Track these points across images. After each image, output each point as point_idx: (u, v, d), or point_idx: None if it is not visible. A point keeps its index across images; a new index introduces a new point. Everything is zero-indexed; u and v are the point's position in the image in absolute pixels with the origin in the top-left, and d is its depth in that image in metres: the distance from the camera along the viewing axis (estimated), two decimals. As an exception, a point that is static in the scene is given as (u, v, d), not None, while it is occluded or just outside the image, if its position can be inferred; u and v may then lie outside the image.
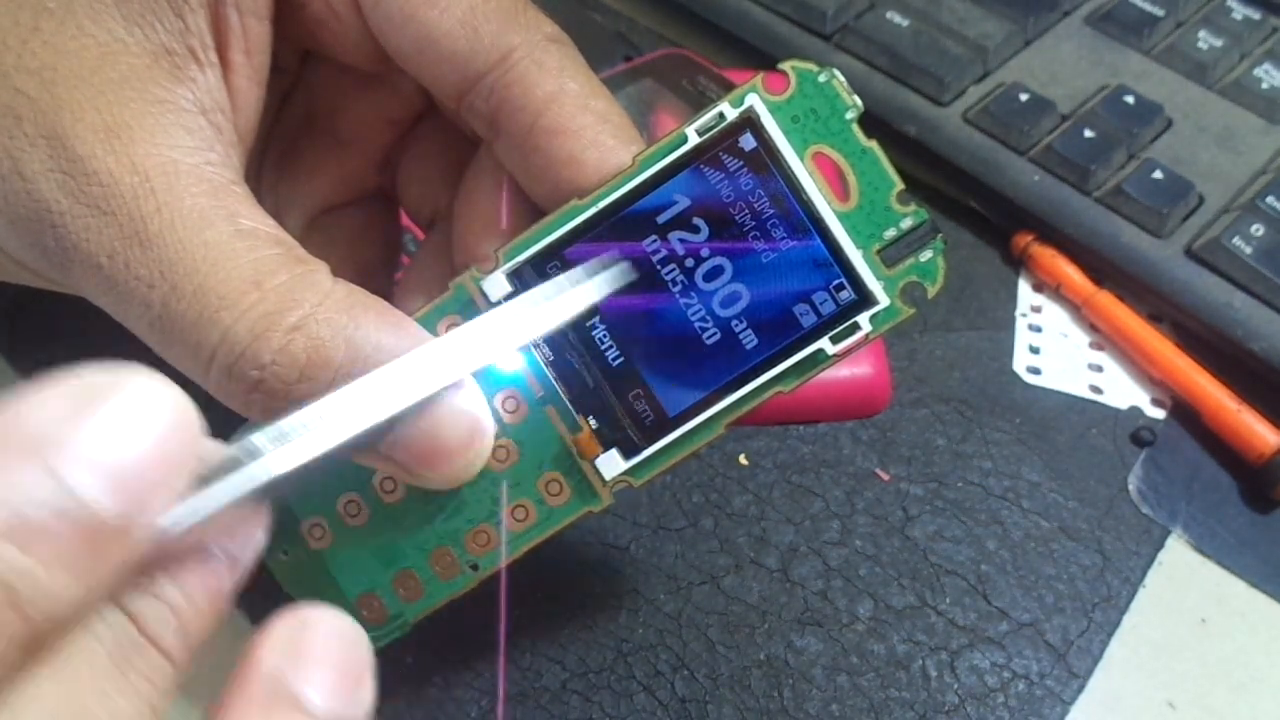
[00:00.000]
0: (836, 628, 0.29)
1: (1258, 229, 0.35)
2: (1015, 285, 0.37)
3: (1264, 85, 0.40)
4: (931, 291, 0.22)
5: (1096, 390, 0.35)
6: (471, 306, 0.23)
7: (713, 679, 0.28)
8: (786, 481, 0.32)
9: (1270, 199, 0.36)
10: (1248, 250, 0.34)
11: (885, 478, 0.32)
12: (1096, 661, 0.29)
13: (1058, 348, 0.36)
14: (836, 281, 0.22)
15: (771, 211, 0.22)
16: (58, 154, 0.20)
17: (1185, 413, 0.34)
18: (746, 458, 0.32)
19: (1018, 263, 0.38)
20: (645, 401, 0.22)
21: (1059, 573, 0.30)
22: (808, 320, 0.22)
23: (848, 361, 0.32)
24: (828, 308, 0.22)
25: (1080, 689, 0.28)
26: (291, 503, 0.24)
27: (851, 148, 0.22)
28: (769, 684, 0.28)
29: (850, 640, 0.29)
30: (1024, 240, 0.37)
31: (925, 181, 0.39)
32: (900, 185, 0.22)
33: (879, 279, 0.22)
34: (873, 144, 0.22)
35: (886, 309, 0.22)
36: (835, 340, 0.22)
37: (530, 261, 0.22)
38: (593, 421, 0.23)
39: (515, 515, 0.23)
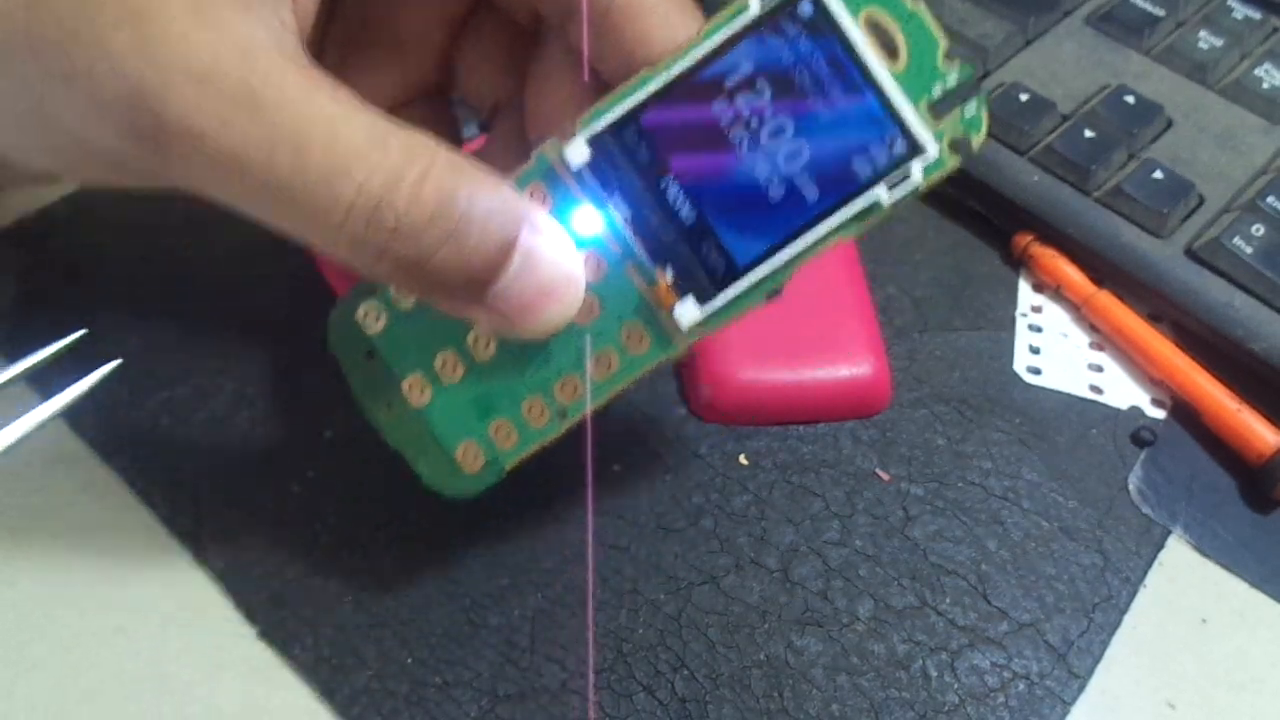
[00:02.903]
0: (836, 628, 0.29)
1: (1258, 229, 0.35)
2: (1015, 285, 0.37)
3: (1264, 85, 0.40)
4: (976, 143, 0.23)
5: (1097, 390, 0.35)
6: (553, 173, 0.24)
7: (713, 679, 0.28)
8: (786, 481, 0.32)
9: (1270, 199, 0.36)
10: (1248, 250, 0.34)
11: (885, 478, 0.32)
12: (1097, 662, 0.29)
13: (1058, 348, 0.36)
14: (890, 134, 0.23)
15: (829, 73, 0.23)
16: (147, 30, 0.19)
17: (1185, 413, 0.34)
18: (746, 458, 0.32)
19: (1018, 263, 0.38)
20: (717, 253, 0.24)
21: (1059, 573, 0.30)
22: (864, 172, 0.23)
23: (848, 361, 0.33)
24: (882, 159, 0.23)
25: (1080, 689, 0.28)
26: (392, 363, 0.25)
27: (900, 11, 0.23)
28: (769, 684, 0.28)
29: (850, 640, 0.29)
30: (1024, 240, 0.37)
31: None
32: (945, 43, 0.23)
33: (929, 130, 0.23)
34: (919, 7, 0.23)
35: (936, 160, 0.23)
36: (890, 188, 0.23)
37: (609, 128, 0.24)
38: (669, 274, 0.24)
39: (599, 365, 0.25)
